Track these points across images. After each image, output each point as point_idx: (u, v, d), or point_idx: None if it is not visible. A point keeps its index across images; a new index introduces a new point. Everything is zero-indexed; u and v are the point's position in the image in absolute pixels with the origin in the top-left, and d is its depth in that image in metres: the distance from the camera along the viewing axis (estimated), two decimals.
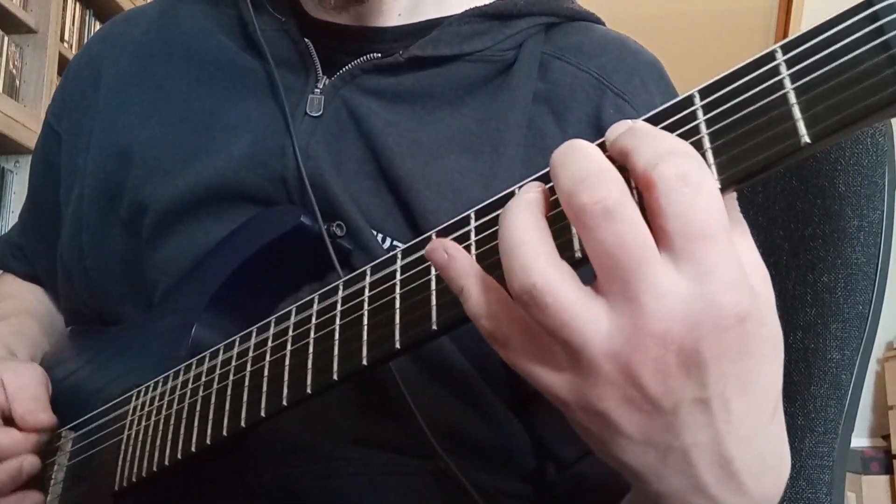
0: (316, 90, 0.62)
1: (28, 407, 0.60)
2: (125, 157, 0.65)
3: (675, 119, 0.34)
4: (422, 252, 0.41)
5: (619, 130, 0.34)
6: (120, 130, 0.67)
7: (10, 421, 0.60)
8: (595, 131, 0.60)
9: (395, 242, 0.57)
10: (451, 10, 0.65)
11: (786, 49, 0.32)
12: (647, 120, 0.35)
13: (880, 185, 0.66)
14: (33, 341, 0.72)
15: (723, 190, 0.32)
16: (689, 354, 0.31)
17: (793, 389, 0.68)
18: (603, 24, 0.69)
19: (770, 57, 0.32)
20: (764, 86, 0.32)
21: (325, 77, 0.63)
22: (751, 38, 3.27)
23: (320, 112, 0.61)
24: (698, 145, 0.33)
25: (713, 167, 0.32)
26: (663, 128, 0.34)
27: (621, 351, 0.31)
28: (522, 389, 0.57)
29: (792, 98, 0.31)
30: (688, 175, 0.30)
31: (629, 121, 0.34)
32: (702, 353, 0.31)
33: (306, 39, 0.64)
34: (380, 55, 0.62)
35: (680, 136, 0.33)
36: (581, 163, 0.32)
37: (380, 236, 0.57)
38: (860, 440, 2.63)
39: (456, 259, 0.36)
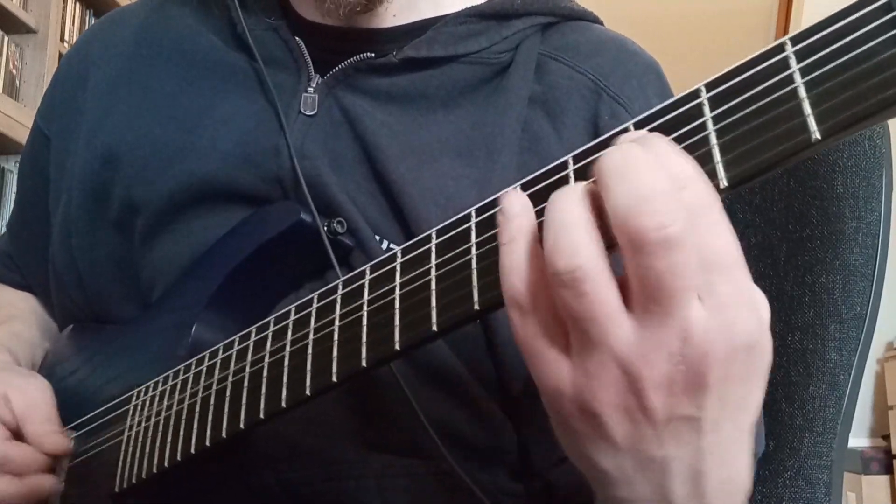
0: (309, 89, 0.61)
1: (44, 429, 0.59)
2: (112, 158, 0.65)
3: (680, 112, 0.33)
4: (419, 251, 0.41)
5: (630, 139, 0.33)
6: (107, 131, 0.66)
7: (20, 439, 0.59)
8: (591, 136, 0.60)
9: (391, 245, 0.57)
10: (447, 9, 0.64)
11: (795, 41, 0.31)
12: (652, 115, 0.34)
13: (878, 186, 0.66)
14: (31, 345, 0.72)
15: (730, 188, 0.32)
16: (696, 377, 0.32)
17: (791, 390, 0.68)
18: (601, 23, 0.68)
19: (779, 49, 0.31)
20: (773, 80, 0.31)
21: (317, 76, 0.62)
22: (751, 38, 3.27)
23: (314, 111, 0.61)
24: (705, 142, 0.32)
25: (720, 164, 0.32)
26: (668, 121, 0.33)
27: (635, 361, 0.32)
28: (511, 391, 0.57)
29: (802, 92, 0.30)
30: (705, 208, 0.31)
31: (643, 131, 0.34)
32: (707, 377, 0.32)
33: (297, 39, 0.63)
34: (373, 55, 0.62)
35: (686, 132, 0.33)
36: (645, 179, 0.31)
37: (377, 237, 0.57)
38: (860, 440, 2.63)
39: (518, 214, 0.35)
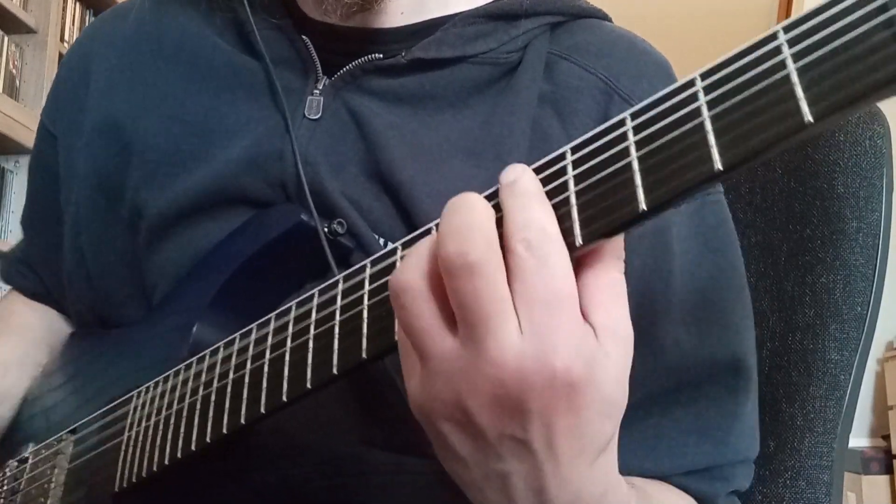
0: (315, 91, 0.61)
1: None
2: (124, 157, 0.64)
3: (676, 101, 0.34)
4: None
5: (506, 179, 0.37)
6: (114, 129, 0.66)
7: None
8: None
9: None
10: (456, 8, 0.64)
11: (788, 29, 0.31)
12: (649, 105, 0.35)
13: (878, 186, 0.66)
14: (5, 363, 0.71)
15: (725, 171, 0.32)
16: (515, 402, 0.34)
17: (792, 390, 0.68)
18: (610, 20, 0.68)
19: (772, 37, 0.32)
20: (766, 66, 0.32)
21: (325, 77, 0.62)
22: (751, 38, 3.27)
23: (319, 115, 0.60)
24: (700, 128, 0.33)
25: (714, 148, 0.32)
26: (665, 109, 0.34)
27: (458, 379, 0.35)
28: None
29: (794, 77, 0.31)
30: (535, 247, 0.34)
31: (518, 169, 0.37)
32: (527, 404, 0.34)
33: (304, 38, 0.63)
34: (381, 56, 0.61)
35: (681, 118, 0.34)
36: (461, 216, 0.35)
37: (381, 240, 0.57)
38: (860, 440, 2.63)
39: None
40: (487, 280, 0.34)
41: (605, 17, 0.67)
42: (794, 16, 0.32)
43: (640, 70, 0.62)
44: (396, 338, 0.39)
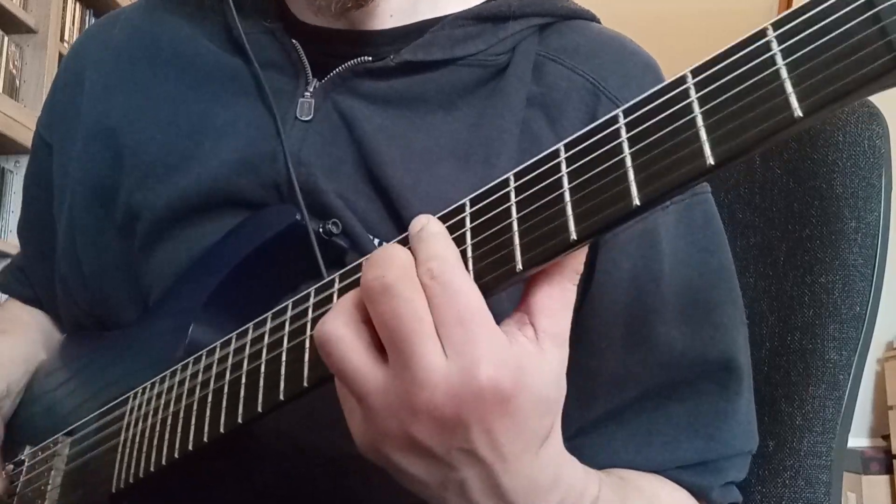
0: (306, 93, 0.61)
1: None
2: (116, 160, 0.65)
3: (667, 98, 0.35)
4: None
5: (414, 229, 0.40)
6: (107, 134, 0.66)
7: None
8: None
9: None
10: (446, 11, 0.64)
11: (777, 26, 0.32)
12: (640, 101, 0.36)
13: (877, 186, 0.66)
14: (12, 361, 0.71)
15: (717, 166, 0.32)
16: (451, 419, 0.36)
17: (791, 390, 0.68)
18: (598, 21, 0.68)
19: (761, 34, 0.32)
20: (755, 62, 0.32)
21: (315, 80, 0.62)
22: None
23: (310, 116, 0.60)
24: (691, 123, 0.33)
25: (706, 144, 0.33)
26: (656, 106, 0.35)
27: (396, 407, 0.37)
28: None
29: (784, 73, 0.31)
30: (437, 275, 0.37)
31: (423, 218, 0.40)
32: (463, 418, 0.36)
33: (295, 41, 0.63)
34: (371, 58, 0.61)
35: (672, 114, 0.34)
36: (380, 252, 0.38)
37: (376, 241, 0.57)
38: (860, 440, 2.63)
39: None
40: (404, 299, 0.36)
41: (594, 19, 0.68)
42: (786, 12, 0.32)
43: (629, 71, 0.62)
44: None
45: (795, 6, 0.32)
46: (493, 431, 0.37)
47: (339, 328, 0.38)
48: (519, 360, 0.37)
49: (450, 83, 0.61)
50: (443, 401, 0.36)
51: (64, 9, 2.60)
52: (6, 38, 2.38)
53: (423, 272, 0.37)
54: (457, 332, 0.36)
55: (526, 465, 0.39)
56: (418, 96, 0.61)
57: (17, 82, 2.43)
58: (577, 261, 0.39)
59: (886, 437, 2.55)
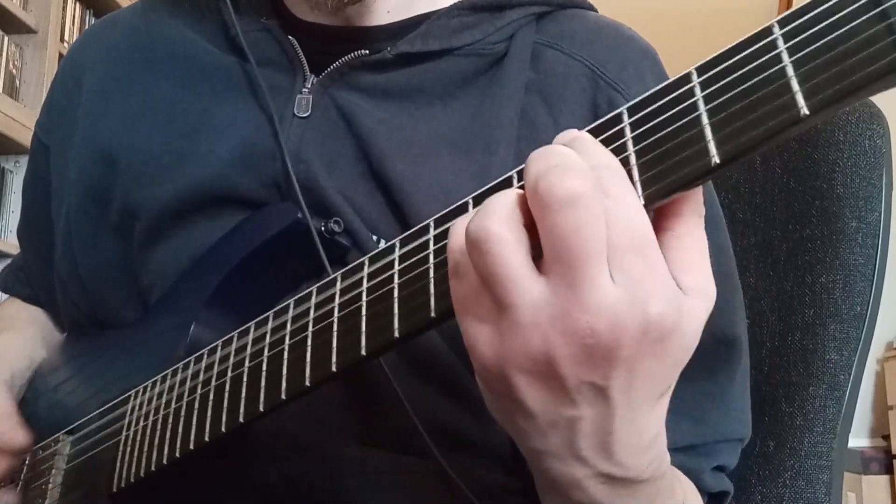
0: (304, 90, 0.61)
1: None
2: (110, 163, 0.65)
3: (673, 97, 0.34)
4: (418, 242, 0.41)
5: (565, 139, 0.36)
6: (104, 136, 0.66)
7: None
8: (589, 123, 0.60)
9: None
10: (441, 4, 0.64)
11: (783, 23, 0.32)
12: (645, 99, 0.35)
13: (878, 186, 0.66)
14: (18, 356, 0.72)
15: (722, 165, 0.32)
16: (605, 351, 0.33)
17: (791, 390, 0.68)
18: (595, 10, 0.68)
19: (767, 32, 0.32)
20: (762, 60, 0.32)
21: (312, 76, 0.62)
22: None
23: (308, 112, 0.61)
24: (697, 121, 0.33)
25: (711, 143, 0.32)
26: (662, 104, 0.35)
27: (546, 326, 0.33)
28: None
29: (790, 71, 0.31)
30: (608, 189, 0.33)
31: (574, 131, 0.36)
32: (616, 352, 0.33)
33: (291, 38, 0.63)
34: (368, 52, 0.62)
35: (678, 112, 0.34)
36: (558, 157, 0.33)
37: (375, 237, 0.57)
38: (860, 440, 2.63)
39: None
40: (593, 215, 0.32)
41: (591, 8, 0.68)
42: (791, 10, 0.32)
43: (626, 56, 0.63)
44: (454, 299, 0.37)
45: (798, 4, 0.32)
46: (635, 371, 0.34)
47: (500, 226, 0.34)
48: (681, 303, 0.34)
49: (448, 74, 0.61)
50: (604, 329, 0.32)
51: (64, 9, 2.60)
52: (6, 38, 2.38)
53: (599, 189, 0.33)
54: (631, 260, 0.33)
55: (642, 415, 0.37)
56: (417, 88, 0.61)
57: (17, 82, 2.43)
58: (697, 203, 0.36)
59: (886, 437, 2.55)
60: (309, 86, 0.62)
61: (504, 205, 0.34)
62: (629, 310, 0.32)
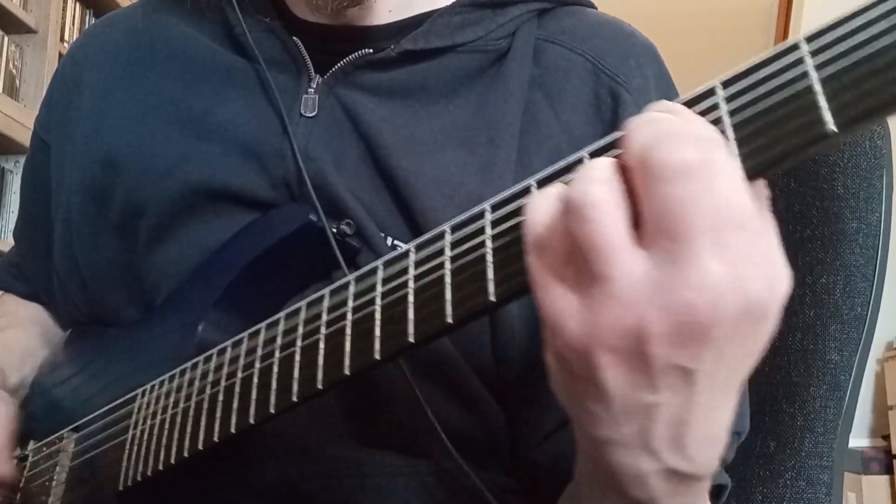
0: (310, 90, 0.62)
1: None
2: (111, 162, 0.65)
3: (697, 110, 0.34)
4: (434, 248, 0.41)
5: (662, 109, 0.34)
6: (106, 135, 0.66)
7: None
8: (591, 116, 0.60)
9: (395, 242, 0.57)
10: (442, 3, 0.65)
11: (809, 39, 0.32)
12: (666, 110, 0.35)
13: (878, 187, 0.66)
14: (23, 354, 0.72)
15: (748, 180, 0.32)
16: (702, 331, 0.31)
17: (792, 390, 0.68)
18: (595, 7, 0.69)
19: (793, 47, 0.32)
20: (788, 75, 0.32)
21: (317, 76, 0.62)
22: (751, 38, 3.27)
23: (315, 112, 0.61)
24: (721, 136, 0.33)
25: (738, 158, 0.32)
26: None
27: (642, 302, 0.32)
28: (507, 376, 0.57)
29: (817, 87, 0.31)
30: (725, 164, 0.31)
31: (667, 102, 0.35)
32: (711, 332, 0.31)
33: (295, 38, 0.63)
34: (371, 51, 0.62)
35: None
36: (668, 125, 0.32)
37: (382, 235, 0.57)
38: (860, 440, 2.63)
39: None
40: (706, 189, 0.30)
41: (590, 5, 0.69)
42: (803, 27, 0.32)
43: (627, 50, 0.63)
44: (534, 271, 0.35)
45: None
46: (723, 355, 0.33)
47: (604, 192, 0.32)
48: (777, 283, 0.32)
49: (451, 70, 0.62)
50: (703, 307, 0.31)
51: (64, 9, 2.60)
52: (6, 38, 2.38)
53: (702, 162, 0.31)
54: (736, 237, 0.31)
55: (720, 404, 0.35)
56: (420, 85, 0.61)
57: (17, 82, 2.43)
58: (763, 189, 0.34)
59: (886, 437, 2.55)
60: (314, 86, 0.62)
61: (605, 170, 0.33)
62: (730, 289, 0.31)
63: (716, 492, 0.60)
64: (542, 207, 0.34)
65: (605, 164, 0.33)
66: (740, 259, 0.31)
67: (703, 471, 0.37)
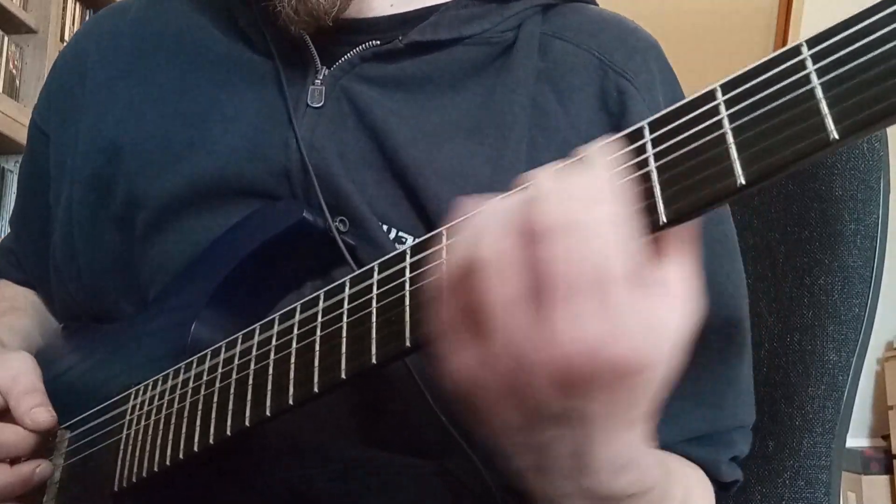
0: (316, 81, 0.61)
1: (27, 404, 0.58)
2: (115, 152, 0.65)
3: (697, 114, 0.34)
4: (431, 250, 0.41)
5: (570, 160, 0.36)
6: (109, 125, 0.66)
7: (2, 414, 0.58)
8: (599, 111, 0.60)
9: (401, 234, 0.57)
10: None
11: (811, 44, 0.31)
12: (668, 115, 0.35)
13: (876, 189, 0.67)
14: (24, 335, 0.72)
15: (748, 185, 0.32)
16: (583, 380, 0.33)
17: (791, 390, 0.68)
18: (596, 4, 0.70)
19: (795, 51, 0.32)
20: (790, 80, 0.31)
21: (324, 68, 0.62)
22: (751, 38, 3.27)
23: (321, 103, 0.61)
24: (721, 140, 0.33)
25: (737, 163, 0.32)
26: (685, 122, 0.34)
27: (530, 356, 0.33)
28: None
29: (819, 93, 0.30)
30: (590, 222, 0.33)
31: (582, 149, 0.36)
32: (593, 383, 0.33)
33: (301, 30, 0.63)
34: (379, 42, 0.62)
35: (702, 130, 0.33)
36: (552, 182, 0.34)
37: (385, 227, 0.57)
38: (860, 440, 2.63)
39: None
40: (581, 246, 0.32)
41: (592, 1, 0.69)
42: (803, 28, 0.31)
43: (633, 46, 0.64)
44: (437, 320, 0.37)
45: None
46: (616, 395, 0.34)
47: (508, 249, 0.34)
48: (658, 336, 0.34)
49: (457, 62, 0.62)
50: (579, 360, 0.33)
51: (64, 9, 2.60)
52: (6, 38, 2.38)
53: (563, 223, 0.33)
54: (617, 296, 0.32)
55: (623, 437, 0.37)
56: (427, 77, 0.62)
57: (17, 82, 2.43)
58: (690, 236, 0.36)
59: (886, 437, 2.55)
60: (321, 77, 0.62)
61: (500, 224, 0.34)
62: (603, 345, 0.32)
63: (728, 484, 0.60)
64: (451, 260, 0.36)
65: (497, 219, 0.35)
66: (612, 315, 0.32)
67: (621, 492, 0.39)
